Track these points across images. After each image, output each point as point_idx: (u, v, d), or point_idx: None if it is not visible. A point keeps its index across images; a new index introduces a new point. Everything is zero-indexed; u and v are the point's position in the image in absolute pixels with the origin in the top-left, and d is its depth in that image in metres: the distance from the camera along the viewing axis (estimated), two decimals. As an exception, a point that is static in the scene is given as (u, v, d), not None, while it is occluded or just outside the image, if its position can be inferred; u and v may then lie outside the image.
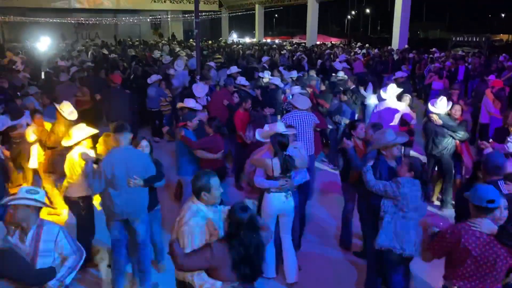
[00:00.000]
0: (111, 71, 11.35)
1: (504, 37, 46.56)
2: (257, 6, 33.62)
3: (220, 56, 17.15)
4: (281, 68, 11.69)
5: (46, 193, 4.50)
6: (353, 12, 56.35)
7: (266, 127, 4.76)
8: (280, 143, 4.35)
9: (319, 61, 15.61)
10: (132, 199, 4.19)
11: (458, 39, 24.13)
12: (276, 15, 55.86)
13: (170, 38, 36.14)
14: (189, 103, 6.63)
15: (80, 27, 35.64)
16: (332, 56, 17.67)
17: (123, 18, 35.90)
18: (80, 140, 4.69)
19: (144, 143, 4.64)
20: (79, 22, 34.36)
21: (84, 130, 4.77)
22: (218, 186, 3.12)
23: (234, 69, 9.88)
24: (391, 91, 7.26)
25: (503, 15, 59.60)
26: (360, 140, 5.10)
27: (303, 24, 29.42)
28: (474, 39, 23.00)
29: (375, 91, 9.19)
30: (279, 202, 4.43)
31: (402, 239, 3.79)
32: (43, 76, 12.68)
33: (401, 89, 7.62)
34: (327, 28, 52.88)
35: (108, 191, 4.15)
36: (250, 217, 2.84)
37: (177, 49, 20.06)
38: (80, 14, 34.52)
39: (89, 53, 19.48)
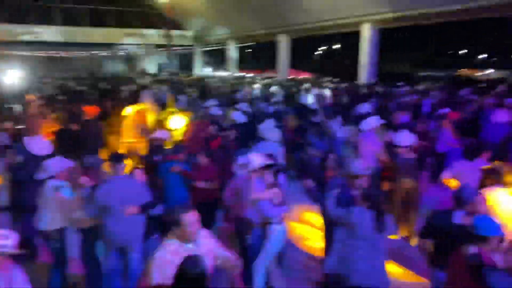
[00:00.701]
0: (79, 103, 11.15)
1: (465, 72, 48.85)
2: (230, 41, 34.25)
3: (192, 89, 17.26)
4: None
5: None
6: (322, 48, 58.11)
7: (248, 158, 4.84)
8: (275, 172, 4.66)
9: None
10: (128, 227, 4.31)
11: (422, 74, 25.08)
12: (249, 49, 56.99)
13: (143, 71, 36.16)
14: (162, 134, 6.60)
15: (52, 61, 35.29)
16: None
17: (95, 52, 35.82)
18: (54, 174, 4.59)
19: (138, 171, 4.80)
20: (50, 55, 34.05)
21: (60, 162, 4.71)
22: (193, 223, 3.06)
23: (211, 102, 9.97)
24: (373, 123, 7.34)
25: (465, 51, 62.79)
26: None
27: (274, 58, 30.08)
28: (438, 74, 23.94)
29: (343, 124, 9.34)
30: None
31: (348, 267, 3.84)
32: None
33: (384, 121, 7.70)
34: (297, 62, 54.21)
35: (105, 219, 4.30)
36: (200, 275, 2.72)
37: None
38: (52, 47, 34.25)
39: (57, 86, 19.19)
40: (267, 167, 4.74)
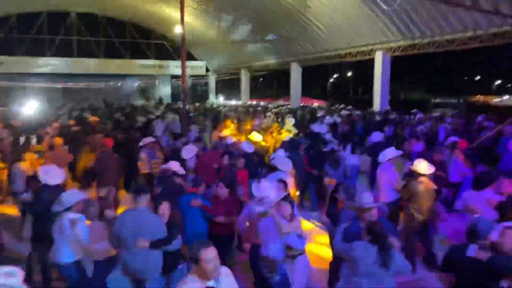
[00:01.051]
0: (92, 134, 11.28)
1: (480, 98, 48.46)
2: (242, 70, 34.74)
3: (203, 118, 17.46)
4: None
5: None
6: (334, 75, 58.50)
7: (263, 192, 4.85)
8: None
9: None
10: (143, 259, 4.29)
11: (437, 100, 24.93)
12: (261, 78, 57.69)
13: (158, 101, 36.79)
14: (173, 165, 6.56)
15: (68, 92, 36.19)
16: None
17: (111, 83, 36.70)
18: (70, 205, 4.60)
19: (164, 205, 4.63)
20: (66, 87, 34.95)
21: (75, 195, 4.73)
22: (212, 259, 2.99)
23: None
24: (391, 153, 7.25)
25: (478, 77, 62.51)
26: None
27: (287, 86, 30.33)
28: (453, 101, 23.76)
29: (354, 151, 9.29)
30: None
31: None
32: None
33: (400, 152, 7.58)
34: (310, 90, 54.56)
35: (121, 250, 4.36)
36: None
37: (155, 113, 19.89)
38: (68, 78, 35.21)
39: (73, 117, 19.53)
40: (284, 198, 4.68)
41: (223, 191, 5.45)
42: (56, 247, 4.63)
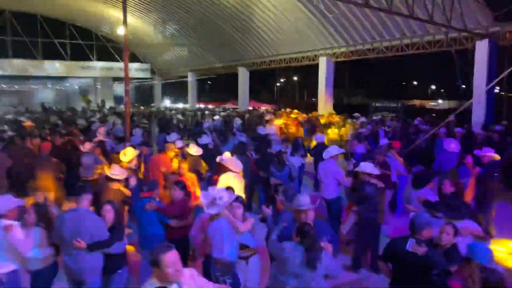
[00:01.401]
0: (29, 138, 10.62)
1: (417, 102, 51.22)
2: (189, 74, 34.36)
3: (146, 121, 17.10)
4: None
5: None
6: (281, 80, 59.45)
7: (213, 195, 4.74)
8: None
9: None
10: (81, 260, 4.21)
11: (377, 104, 26.04)
12: (209, 82, 57.42)
13: (100, 104, 35.48)
14: (115, 171, 6.32)
15: (2, 94, 34.01)
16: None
17: (49, 85, 34.89)
18: (2, 212, 4.32)
19: (108, 207, 4.55)
20: (2, 89, 32.90)
21: (8, 201, 4.46)
22: (174, 263, 2.86)
23: (173, 137, 9.76)
24: (333, 151, 7.44)
25: (415, 82, 66.09)
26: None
27: (235, 90, 30.37)
28: (391, 105, 24.92)
29: (295, 153, 9.44)
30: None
31: None
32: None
33: (343, 150, 7.86)
34: (257, 94, 55.03)
35: (62, 251, 4.32)
36: None
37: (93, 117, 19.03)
38: (4, 81, 33.12)
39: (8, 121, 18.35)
40: (235, 200, 4.72)
41: (178, 193, 5.34)
42: None
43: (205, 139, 9.93)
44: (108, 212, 4.51)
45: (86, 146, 9.16)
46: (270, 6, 20.28)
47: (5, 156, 9.04)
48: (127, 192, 6.19)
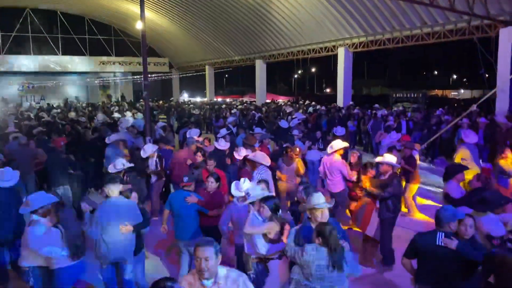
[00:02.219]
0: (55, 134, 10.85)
1: (438, 92, 50.21)
2: (207, 67, 34.44)
3: (165, 116, 17.25)
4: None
5: None
6: (299, 72, 59.06)
7: (245, 188, 4.94)
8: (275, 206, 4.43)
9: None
10: (123, 244, 4.75)
11: (397, 95, 25.60)
12: (226, 75, 57.46)
13: (120, 99, 35.92)
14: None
15: (25, 90, 34.75)
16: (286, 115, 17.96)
17: (70, 81, 35.45)
18: (37, 208, 4.39)
19: (134, 194, 5.25)
20: (23, 84, 33.60)
21: (44, 198, 4.52)
22: (203, 258, 2.88)
23: (194, 132, 9.85)
24: (337, 145, 7.36)
25: (436, 72, 64.77)
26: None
27: (252, 83, 30.30)
28: (412, 95, 24.47)
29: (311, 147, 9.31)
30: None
31: None
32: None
33: (347, 144, 7.83)
34: (275, 86, 54.89)
35: (103, 237, 4.67)
36: None
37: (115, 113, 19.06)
38: (25, 76, 33.84)
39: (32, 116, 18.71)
40: (264, 199, 4.48)
41: (214, 185, 5.58)
42: (21, 250, 4.61)
43: (223, 132, 9.99)
44: (135, 198, 5.25)
45: (111, 138, 9.31)
46: (287, -3, 20.10)
47: (38, 151, 9.29)
48: None
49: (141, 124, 12.51)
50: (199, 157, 7.77)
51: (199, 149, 8.19)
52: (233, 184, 5.22)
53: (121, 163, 6.41)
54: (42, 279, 4.59)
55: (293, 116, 14.76)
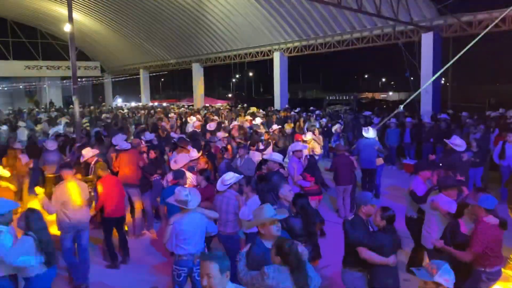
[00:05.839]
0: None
1: (369, 95, 52.74)
2: (141, 70, 33.53)
3: (86, 121, 16.82)
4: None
5: None
6: (237, 76, 59.28)
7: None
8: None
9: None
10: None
11: (331, 98, 26.57)
12: (162, 79, 56.24)
13: (48, 105, 33.91)
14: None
15: None
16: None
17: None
18: None
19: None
20: None
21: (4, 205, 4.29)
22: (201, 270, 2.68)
23: (148, 135, 9.64)
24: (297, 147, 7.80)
25: (366, 76, 68.03)
26: None
27: (190, 87, 29.93)
28: (345, 97, 25.51)
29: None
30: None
31: None
32: None
33: (306, 146, 8.52)
34: (213, 91, 54.61)
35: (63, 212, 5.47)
36: None
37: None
38: None
39: None
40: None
41: (203, 181, 6.07)
42: None
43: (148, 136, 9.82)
44: None
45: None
46: (222, 0, 20.09)
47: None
48: None
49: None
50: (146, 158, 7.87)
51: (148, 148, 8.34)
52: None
53: None
54: None
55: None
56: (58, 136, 11.22)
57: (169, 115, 20.34)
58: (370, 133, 9.17)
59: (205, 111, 22.20)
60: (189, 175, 6.66)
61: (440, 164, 6.66)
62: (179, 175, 6.07)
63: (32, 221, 4.27)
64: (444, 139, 7.98)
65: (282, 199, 4.82)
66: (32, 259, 4.15)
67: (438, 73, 10.34)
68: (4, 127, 14.86)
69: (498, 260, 4.09)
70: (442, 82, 25.06)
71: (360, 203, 4.17)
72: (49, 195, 5.98)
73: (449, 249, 4.17)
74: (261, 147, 9.84)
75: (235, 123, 14.13)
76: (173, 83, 59.14)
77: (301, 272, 3.05)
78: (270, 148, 9.87)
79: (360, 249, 3.91)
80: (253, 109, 21.11)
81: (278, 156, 7.04)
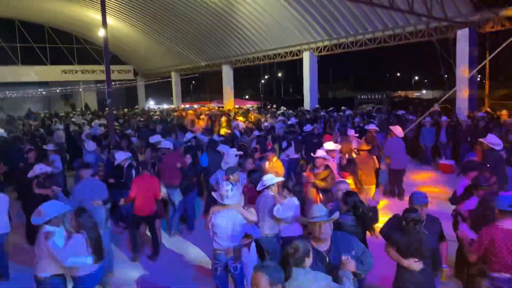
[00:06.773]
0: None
1: (401, 93, 51.61)
2: (173, 73, 34.05)
3: (117, 124, 17.36)
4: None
5: None
6: (266, 77, 59.34)
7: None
8: None
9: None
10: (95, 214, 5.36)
11: (362, 97, 26.15)
12: (193, 81, 56.99)
13: (84, 108, 34.97)
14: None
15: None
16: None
17: (32, 91, 34.12)
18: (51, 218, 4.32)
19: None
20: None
21: (55, 207, 4.43)
22: None
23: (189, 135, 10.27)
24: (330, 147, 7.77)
25: (398, 74, 66.58)
26: None
27: (219, 88, 30.16)
28: (377, 96, 25.04)
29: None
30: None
31: None
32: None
33: (340, 146, 8.29)
34: (242, 92, 54.90)
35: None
36: None
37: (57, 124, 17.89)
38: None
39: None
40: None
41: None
42: (36, 260, 4.39)
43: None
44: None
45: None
46: (251, 1, 20.14)
47: None
48: None
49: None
50: (189, 159, 8.02)
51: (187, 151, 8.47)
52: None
53: (39, 168, 6.69)
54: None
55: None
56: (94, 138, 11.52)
57: (200, 117, 20.60)
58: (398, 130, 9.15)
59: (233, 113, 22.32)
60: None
61: (488, 165, 6.41)
62: (230, 171, 6.24)
63: (83, 220, 4.42)
64: (479, 139, 7.72)
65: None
66: (86, 259, 4.29)
67: (475, 70, 9.98)
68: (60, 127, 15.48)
69: (506, 268, 3.72)
70: (478, 79, 24.18)
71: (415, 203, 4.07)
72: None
73: (466, 244, 4.15)
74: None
75: (265, 124, 14.15)
76: (204, 85, 59.76)
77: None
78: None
79: (386, 245, 4.01)
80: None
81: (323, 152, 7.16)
